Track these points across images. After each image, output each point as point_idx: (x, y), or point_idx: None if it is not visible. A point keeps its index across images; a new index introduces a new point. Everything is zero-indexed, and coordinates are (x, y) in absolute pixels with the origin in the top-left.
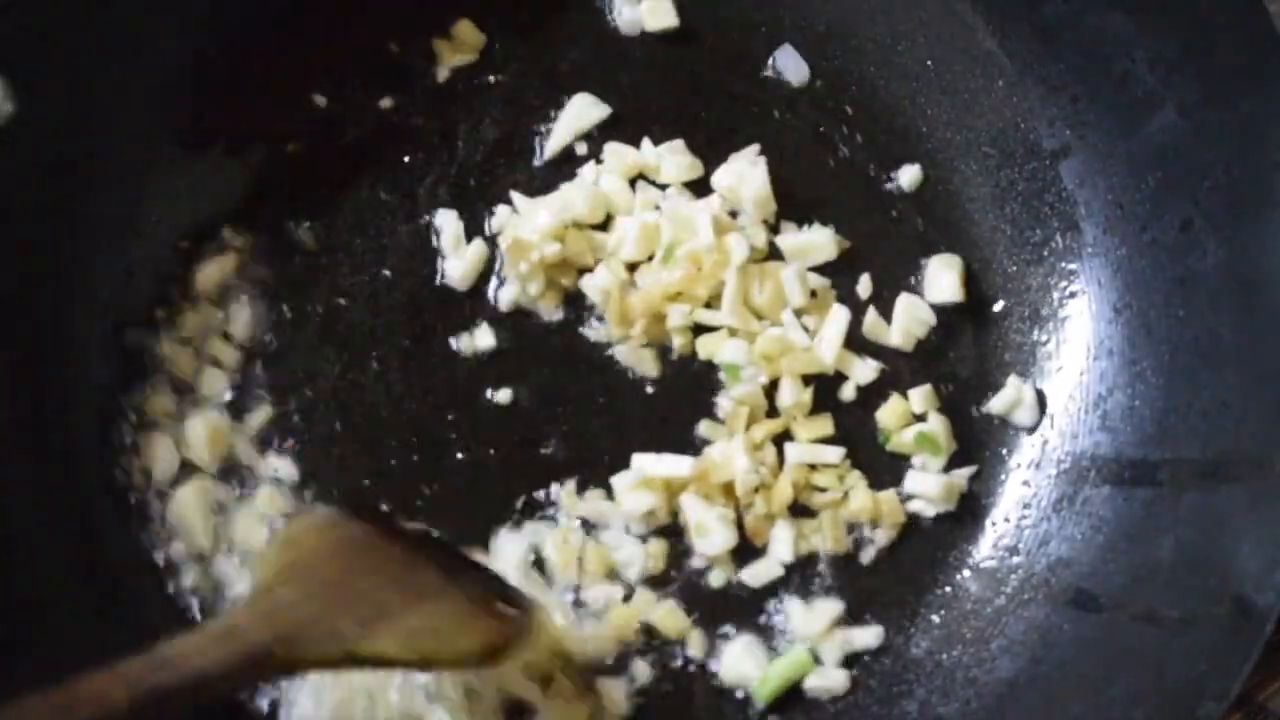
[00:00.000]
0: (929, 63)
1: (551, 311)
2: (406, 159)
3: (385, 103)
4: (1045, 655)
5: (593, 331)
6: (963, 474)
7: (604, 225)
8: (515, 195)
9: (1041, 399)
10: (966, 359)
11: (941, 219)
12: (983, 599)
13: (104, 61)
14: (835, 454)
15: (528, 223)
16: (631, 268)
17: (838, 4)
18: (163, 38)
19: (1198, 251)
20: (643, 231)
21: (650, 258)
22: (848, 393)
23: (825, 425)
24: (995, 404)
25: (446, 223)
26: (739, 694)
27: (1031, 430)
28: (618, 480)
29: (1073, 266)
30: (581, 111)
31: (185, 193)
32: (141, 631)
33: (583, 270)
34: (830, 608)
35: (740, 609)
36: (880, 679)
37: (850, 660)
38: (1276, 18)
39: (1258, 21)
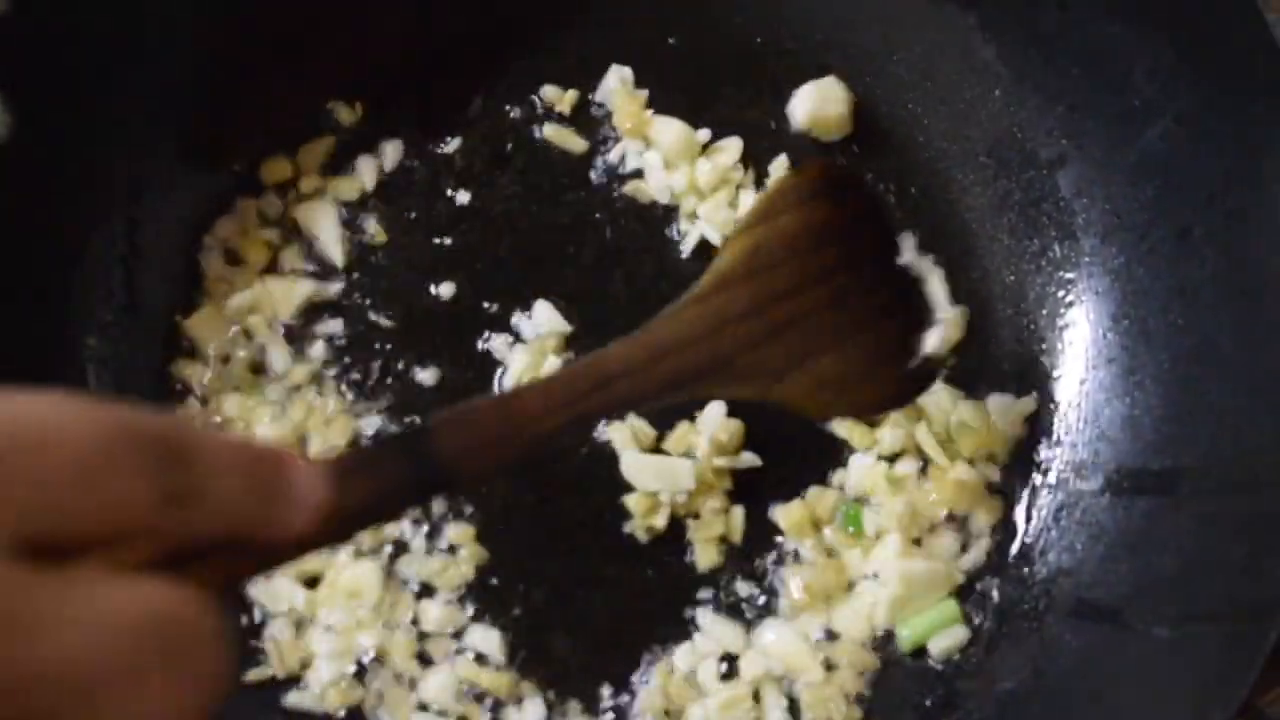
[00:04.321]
0: (925, 72)
1: None
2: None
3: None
4: (1048, 666)
5: None
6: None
7: None
8: None
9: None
10: (965, 370)
11: (938, 229)
12: (983, 609)
13: (102, 75)
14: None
15: None
16: None
17: (833, 13)
18: (162, 53)
19: (1196, 260)
20: None
21: None
22: None
23: None
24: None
25: None
26: None
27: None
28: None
29: (1070, 276)
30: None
31: (185, 207)
32: None
33: None
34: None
35: None
36: (884, 689)
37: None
38: (1274, 26)
39: (1256, 30)
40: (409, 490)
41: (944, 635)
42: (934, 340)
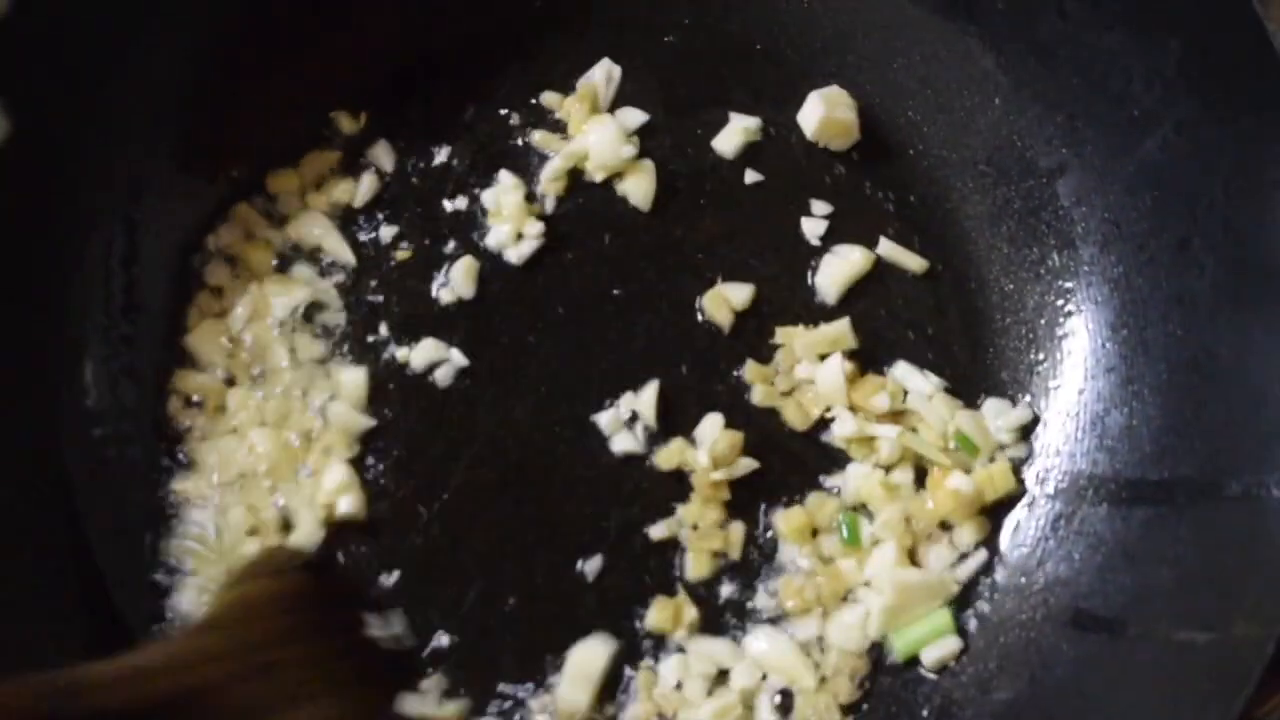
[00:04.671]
0: (925, 80)
1: None
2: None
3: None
4: (1045, 675)
5: None
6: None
7: None
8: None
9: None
10: (964, 378)
11: (938, 237)
12: (981, 618)
13: (101, 80)
14: (891, 431)
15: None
16: None
17: (833, 21)
18: (161, 58)
19: (1195, 270)
20: None
21: None
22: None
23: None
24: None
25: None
26: None
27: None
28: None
29: (1070, 285)
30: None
31: (185, 211)
32: None
33: None
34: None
35: None
36: (880, 698)
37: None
38: (1275, 36)
39: (1256, 39)
40: None
41: (937, 645)
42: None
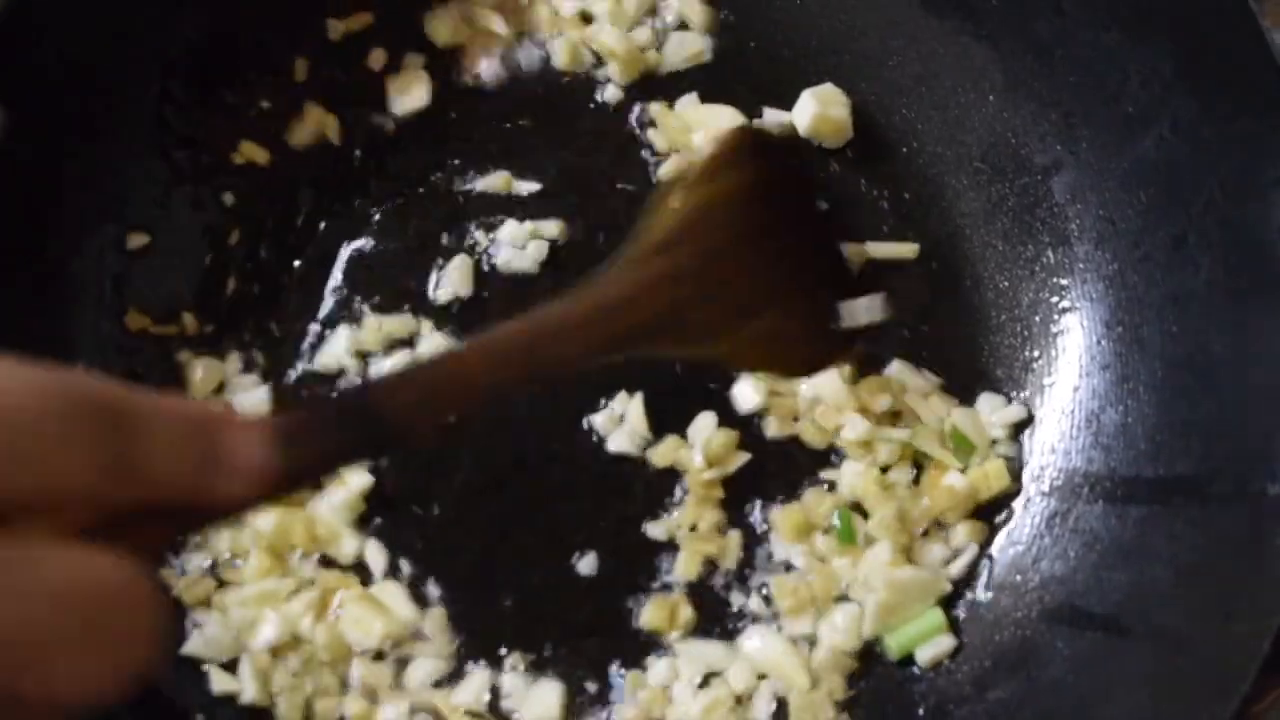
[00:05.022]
0: (920, 77)
1: None
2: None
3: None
4: (1040, 674)
5: None
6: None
7: None
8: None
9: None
10: (959, 376)
11: (933, 235)
12: (975, 616)
13: (91, 80)
14: (904, 434)
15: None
16: None
17: (827, 19)
18: (154, 58)
19: (1191, 268)
20: None
21: None
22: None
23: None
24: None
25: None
26: None
27: None
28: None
29: (1064, 282)
30: None
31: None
32: None
33: None
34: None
35: None
36: (875, 697)
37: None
38: (1269, 33)
39: (1254, 40)
40: (352, 450)
41: (931, 644)
42: (860, 309)
